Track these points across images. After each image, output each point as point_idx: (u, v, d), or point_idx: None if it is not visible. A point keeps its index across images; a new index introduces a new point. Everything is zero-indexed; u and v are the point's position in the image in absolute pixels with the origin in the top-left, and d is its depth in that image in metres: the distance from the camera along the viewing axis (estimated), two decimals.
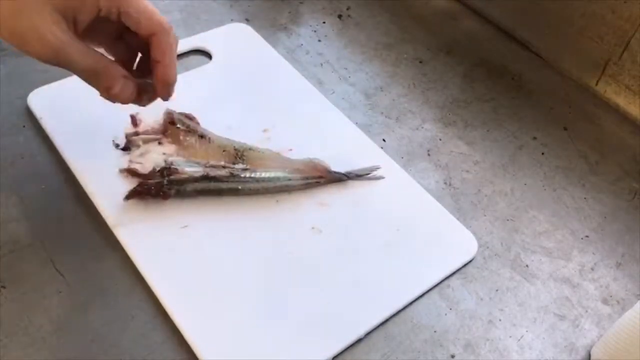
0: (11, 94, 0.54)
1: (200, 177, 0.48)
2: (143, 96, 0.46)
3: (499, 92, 0.64)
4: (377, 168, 0.52)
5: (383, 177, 0.52)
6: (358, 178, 0.52)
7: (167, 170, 0.47)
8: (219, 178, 0.48)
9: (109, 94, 0.43)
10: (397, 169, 0.54)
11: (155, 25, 0.43)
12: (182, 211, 0.48)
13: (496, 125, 0.61)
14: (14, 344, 0.41)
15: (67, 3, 0.39)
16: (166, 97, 0.46)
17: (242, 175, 0.49)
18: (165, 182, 0.47)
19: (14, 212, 0.47)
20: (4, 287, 0.43)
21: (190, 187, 0.48)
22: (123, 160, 0.50)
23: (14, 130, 0.52)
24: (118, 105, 0.53)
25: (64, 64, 0.41)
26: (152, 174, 0.47)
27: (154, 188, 0.47)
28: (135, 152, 0.50)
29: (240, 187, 0.49)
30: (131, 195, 0.47)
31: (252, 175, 0.49)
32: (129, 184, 0.48)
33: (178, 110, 0.51)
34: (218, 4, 0.67)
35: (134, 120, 0.52)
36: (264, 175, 0.49)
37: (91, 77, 0.43)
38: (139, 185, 0.47)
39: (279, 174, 0.49)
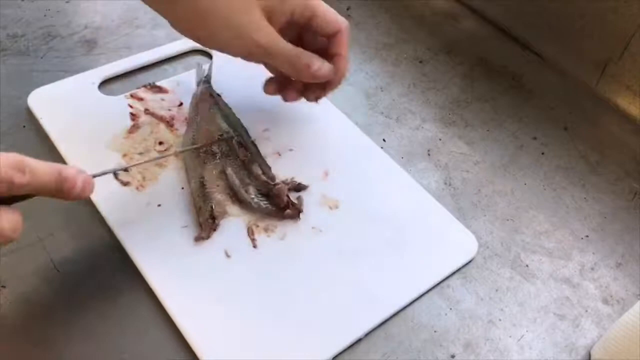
0: (11, 94, 0.54)
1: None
2: (309, 92, 0.53)
3: (499, 92, 0.64)
4: None
5: None
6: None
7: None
8: None
9: (309, 71, 0.49)
10: (397, 169, 0.54)
11: (340, 24, 0.49)
12: (182, 211, 0.48)
13: (496, 125, 0.61)
14: (15, 344, 0.41)
15: (269, 4, 0.46)
16: (338, 85, 0.52)
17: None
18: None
19: None
20: (4, 287, 0.43)
21: None
22: (122, 160, 0.50)
23: (14, 130, 0.52)
24: (117, 105, 0.53)
25: (271, 55, 0.47)
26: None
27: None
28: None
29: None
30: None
31: None
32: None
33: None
34: None
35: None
36: None
37: (295, 58, 0.48)
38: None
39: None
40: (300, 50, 0.48)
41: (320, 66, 0.49)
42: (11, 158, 0.36)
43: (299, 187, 0.50)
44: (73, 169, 0.39)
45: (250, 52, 0.48)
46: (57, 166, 0.38)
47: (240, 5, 0.45)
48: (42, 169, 0.37)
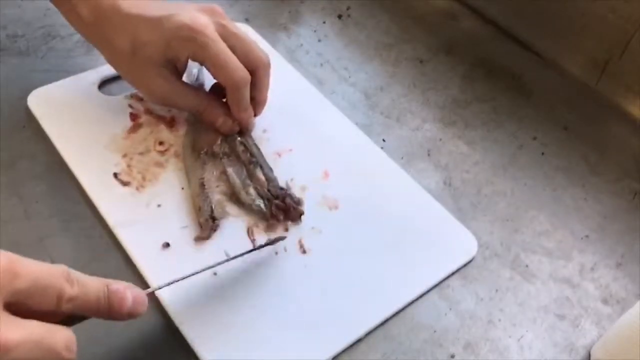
0: (11, 94, 0.54)
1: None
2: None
3: (499, 92, 0.64)
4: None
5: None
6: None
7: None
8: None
9: (213, 127, 0.51)
10: (397, 169, 0.54)
11: (225, 80, 0.48)
12: (182, 211, 0.48)
13: (496, 125, 0.61)
14: None
15: (166, 56, 0.47)
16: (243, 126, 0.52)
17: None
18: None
19: (14, 212, 0.47)
20: None
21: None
22: (121, 160, 0.50)
23: (14, 131, 0.52)
24: (117, 105, 0.54)
25: (171, 106, 0.52)
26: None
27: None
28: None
29: None
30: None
31: None
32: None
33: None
34: (218, 4, 0.67)
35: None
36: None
37: (197, 114, 0.51)
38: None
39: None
40: (203, 105, 0.50)
41: (220, 125, 0.50)
42: (59, 269, 0.34)
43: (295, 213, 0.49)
44: (122, 283, 0.36)
45: (154, 102, 0.52)
46: (104, 280, 0.36)
47: (138, 68, 0.48)
48: (90, 281, 0.35)
